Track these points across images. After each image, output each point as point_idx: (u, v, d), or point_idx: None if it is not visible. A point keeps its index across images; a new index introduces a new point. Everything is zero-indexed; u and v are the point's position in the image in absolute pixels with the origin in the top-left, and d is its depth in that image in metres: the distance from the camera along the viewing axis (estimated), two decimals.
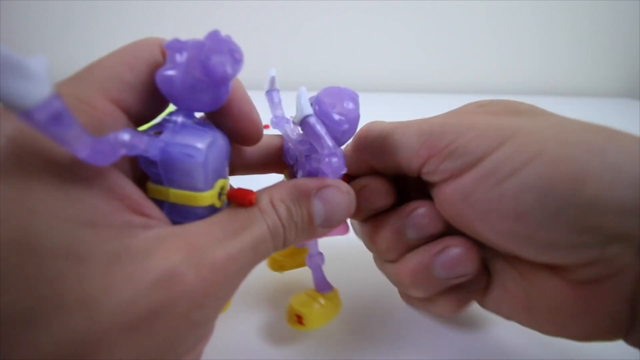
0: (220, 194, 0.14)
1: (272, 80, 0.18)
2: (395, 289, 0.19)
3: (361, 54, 0.75)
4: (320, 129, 0.14)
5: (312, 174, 0.16)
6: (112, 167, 0.12)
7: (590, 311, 0.14)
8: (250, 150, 0.18)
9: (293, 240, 0.14)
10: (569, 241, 0.13)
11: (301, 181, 0.15)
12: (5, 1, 0.66)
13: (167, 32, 0.77)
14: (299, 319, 0.18)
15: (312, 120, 0.14)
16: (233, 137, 0.15)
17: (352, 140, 0.18)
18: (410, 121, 0.17)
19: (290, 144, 0.18)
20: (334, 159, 0.14)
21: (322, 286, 0.19)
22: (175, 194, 0.13)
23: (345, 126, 0.16)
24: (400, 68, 0.76)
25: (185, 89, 0.12)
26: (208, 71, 0.12)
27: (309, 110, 0.15)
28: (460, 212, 0.15)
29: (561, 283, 0.15)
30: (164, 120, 0.13)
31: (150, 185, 0.13)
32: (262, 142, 0.17)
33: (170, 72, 0.12)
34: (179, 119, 0.13)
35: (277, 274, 0.22)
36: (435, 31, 0.73)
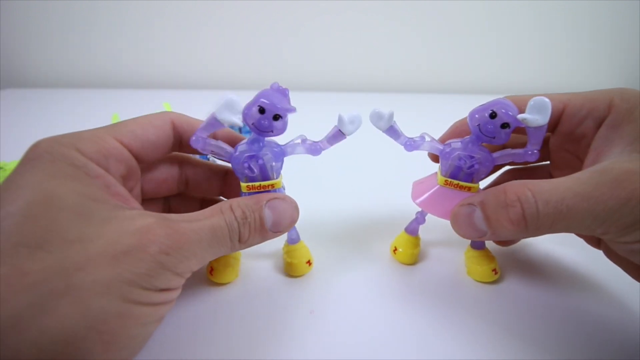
0: None
1: (391, 116, 0.22)
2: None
3: (360, 54, 0.75)
4: None
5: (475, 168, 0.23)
6: (112, 174, 0.18)
7: None
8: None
9: (247, 237, 0.18)
10: None
11: (257, 195, 0.20)
12: (5, 1, 0.66)
13: (167, 31, 0.77)
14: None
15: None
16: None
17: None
18: (577, 199, 0.18)
19: (456, 152, 0.23)
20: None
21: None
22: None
23: None
24: (399, 68, 0.76)
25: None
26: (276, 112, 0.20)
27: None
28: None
29: None
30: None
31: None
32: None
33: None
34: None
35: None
36: (434, 31, 0.73)
